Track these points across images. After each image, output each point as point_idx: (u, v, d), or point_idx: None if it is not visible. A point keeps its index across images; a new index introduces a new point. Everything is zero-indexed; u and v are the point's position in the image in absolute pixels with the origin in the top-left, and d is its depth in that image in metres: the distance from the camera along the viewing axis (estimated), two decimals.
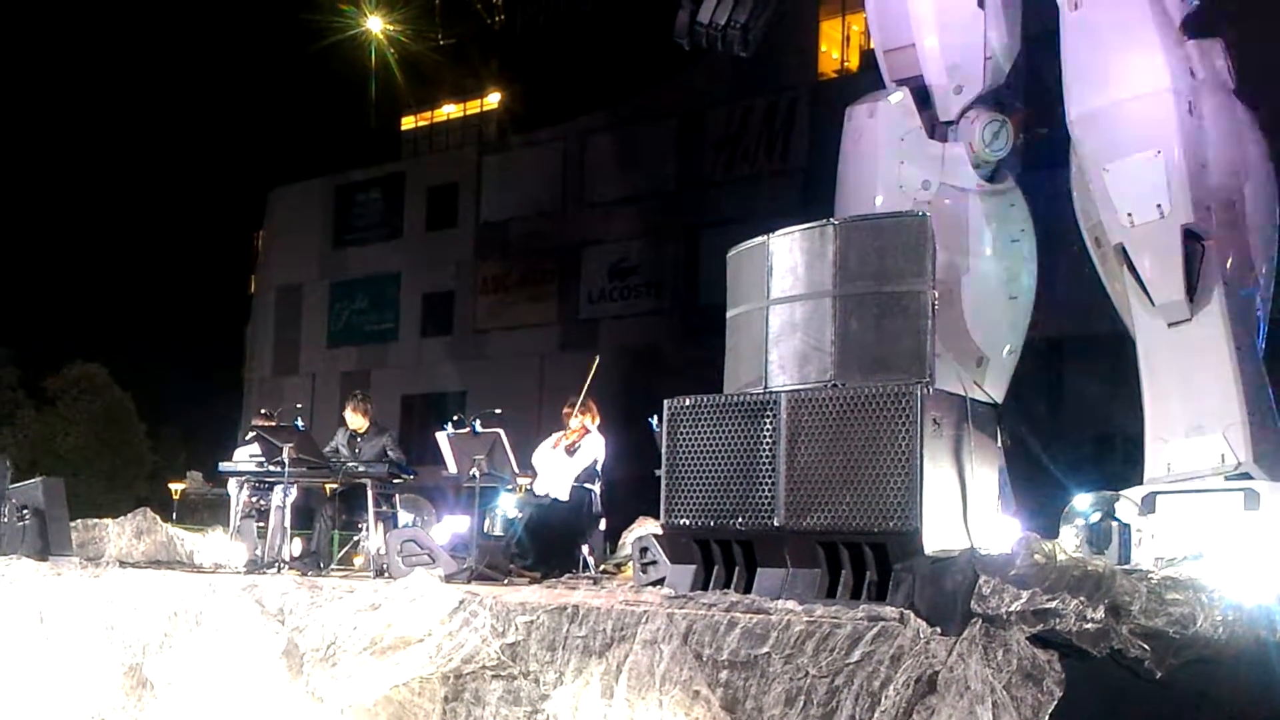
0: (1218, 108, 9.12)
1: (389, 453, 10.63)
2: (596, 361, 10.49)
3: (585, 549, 10.24)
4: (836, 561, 6.88)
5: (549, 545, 9.91)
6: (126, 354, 41.09)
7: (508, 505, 10.74)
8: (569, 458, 10.19)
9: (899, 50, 10.48)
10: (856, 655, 5.49)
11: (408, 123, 40.34)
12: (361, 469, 10.29)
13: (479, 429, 9.81)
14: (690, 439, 7.43)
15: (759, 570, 7.16)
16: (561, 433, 10.45)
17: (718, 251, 8.59)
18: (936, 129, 10.28)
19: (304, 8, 34.30)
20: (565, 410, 10.48)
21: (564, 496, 10.12)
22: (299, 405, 12.98)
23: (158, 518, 11.49)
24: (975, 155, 10.14)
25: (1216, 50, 9.31)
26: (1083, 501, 8.45)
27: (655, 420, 8.19)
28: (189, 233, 51.80)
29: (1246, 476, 8.43)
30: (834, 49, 29.87)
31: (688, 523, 7.42)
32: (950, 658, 5.28)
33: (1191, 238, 8.77)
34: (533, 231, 34.01)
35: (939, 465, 6.78)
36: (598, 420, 10.38)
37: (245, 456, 11.27)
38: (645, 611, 6.21)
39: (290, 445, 9.77)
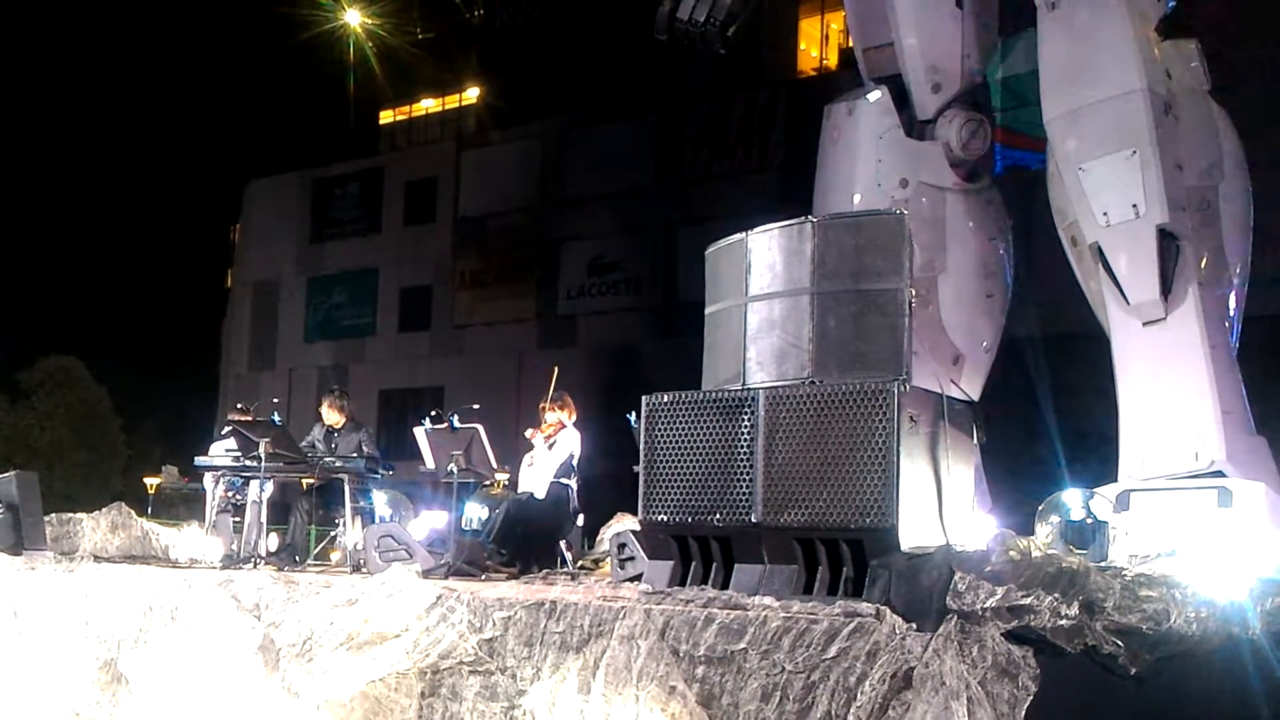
0: (1193, 108, 9.19)
1: (364, 448, 10.62)
2: (556, 372, 10.49)
3: (563, 545, 10.24)
4: (813, 558, 6.90)
5: (527, 541, 9.90)
6: (102, 348, 40.78)
7: (475, 510, 10.74)
8: (547, 451, 10.18)
9: (878, 48, 10.55)
10: (833, 651, 5.50)
11: (386, 117, 40.22)
12: (339, 464, 10.28)
13: (457, 424, 9.81)
14: (668, 435, 7.43)
15: (736, 566, 7.17)
16: (535, 428, 10.43)
17: (696, 248, 8.58)
18: (914, 127, 10.35)
19: (282, 1, 34.14)
20: (541, 406, 10.46)
21: (541, 493, 10.11)
22: (275, 400, 12.97)
23: (133, 512, 11.39)
24: (953, 154, 10.20)
25: (1192, 51, 9.39)
26: (1058, 498, 8.49)
27: (633, 416, 8.18)
28: (164, 226, 51.17)
29: (1220, 474, 8.50)
30: (813, 47, 29.94)
31: (665, 519, 7.42)
32: (926, 653, 5.30)
33: (1166, 237, 8.83)
34: (511, 227, 33.95)
35: (915, 462, 6.80)
36: (574, 416, 10.36)
37: (221, 451, 11.19)
38: (622, 607, 6.21)
39: (266, 440, 9.74)
